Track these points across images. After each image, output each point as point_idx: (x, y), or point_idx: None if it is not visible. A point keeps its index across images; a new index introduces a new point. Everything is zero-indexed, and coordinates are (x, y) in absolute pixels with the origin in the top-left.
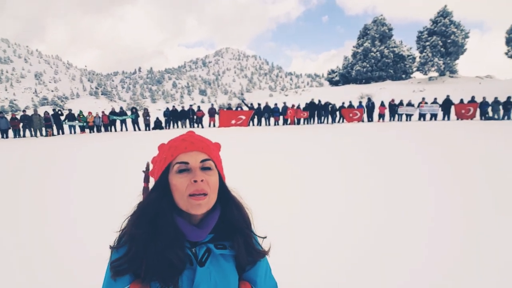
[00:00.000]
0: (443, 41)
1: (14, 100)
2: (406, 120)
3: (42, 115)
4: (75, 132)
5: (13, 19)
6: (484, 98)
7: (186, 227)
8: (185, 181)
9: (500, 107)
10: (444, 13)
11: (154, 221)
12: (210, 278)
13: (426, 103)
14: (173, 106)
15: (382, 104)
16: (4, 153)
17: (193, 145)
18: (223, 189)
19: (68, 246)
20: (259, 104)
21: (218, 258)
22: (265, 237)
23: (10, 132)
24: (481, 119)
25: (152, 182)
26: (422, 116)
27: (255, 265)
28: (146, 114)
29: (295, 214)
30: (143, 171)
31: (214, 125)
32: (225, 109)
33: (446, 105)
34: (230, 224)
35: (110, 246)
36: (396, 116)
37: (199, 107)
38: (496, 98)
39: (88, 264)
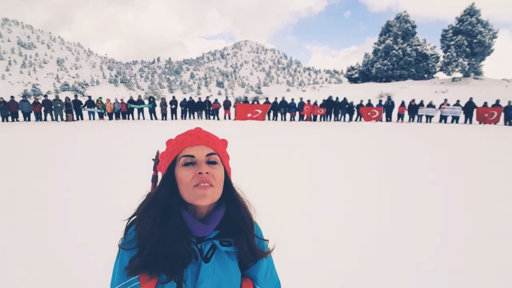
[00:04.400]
0: (469, 41)
1: (37, 85)
2: (426, 121)
3: (63, 100)
4: (94, 118)
5: (42, 8)
6: (509, 102)
7: (192, 222)
8: (190, 173)
9: None
10: (471, 12)
11: (163, 215)
12: (214, 274)
13: (448, 104)
14: (190, 97)
15: (402, 104)
16: (26, 135)
17: (199, 139)
18: (228, 185)
19: (60, 237)
20: (275, 99)
21: (222, 254)
22: (267, 240)
23: (32, 116)
24: (505, 124)
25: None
26: (443, 118)
27: (257, 262)
28: (164, 103)
29: (298, 211)
30: (153, 159)
31: (229, 118)
32: (241, 102)
33: (469, 108)
34: (235, 222)
35: (118, 245)
36: (416, 117)
37: (216, 100)
38: None
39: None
